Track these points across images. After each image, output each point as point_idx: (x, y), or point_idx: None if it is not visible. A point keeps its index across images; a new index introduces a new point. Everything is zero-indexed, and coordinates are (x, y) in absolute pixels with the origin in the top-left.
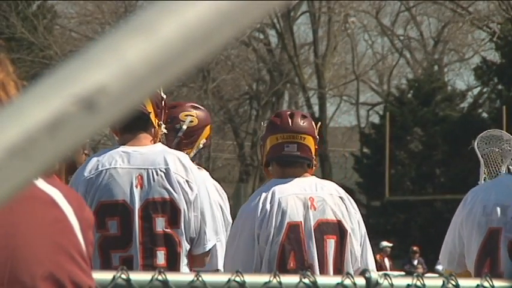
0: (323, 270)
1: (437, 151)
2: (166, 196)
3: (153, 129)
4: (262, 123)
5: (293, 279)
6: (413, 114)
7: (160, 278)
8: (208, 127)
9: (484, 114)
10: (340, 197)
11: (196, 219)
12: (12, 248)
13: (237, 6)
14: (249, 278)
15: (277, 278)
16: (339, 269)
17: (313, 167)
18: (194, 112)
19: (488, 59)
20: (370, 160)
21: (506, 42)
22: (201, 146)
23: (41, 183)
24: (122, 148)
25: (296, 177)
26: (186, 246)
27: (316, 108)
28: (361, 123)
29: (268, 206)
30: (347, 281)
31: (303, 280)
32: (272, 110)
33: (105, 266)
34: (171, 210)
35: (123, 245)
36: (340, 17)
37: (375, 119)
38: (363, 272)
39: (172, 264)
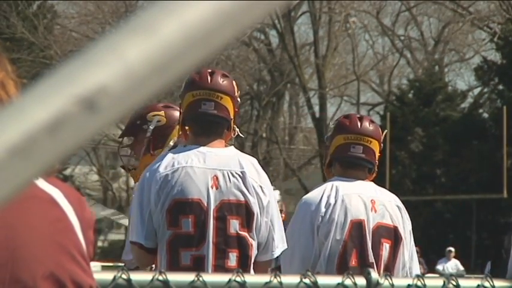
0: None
1: (437, 151)
2: (242, 199)
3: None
4: (330, 123)
5: (293, 279)
6: (414, 114)
7: (160, 278)
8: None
9: (485, 115)
10: (397, 206)
11: (267, 225)
12: (12, 248)
13: (237, 6)
14: (249, 278)
15: (277, 278)
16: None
17: (374, 173)
18: (162, 112)
19: (488, 59)
20: None
21: (507, 43)
22: (171, 144)
23: (41, 183)
24: (196, 148)
25: (357, 179)
26: (256, 250)
27: (316, 109)
28: None
29: (332, 201)
30: (347, 281)
31: (303, 280)
32: (273, 110)
33: (173, 263)
34: (245, 213)
35: (195, 243)
36: (340, 17)
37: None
38: (363, 272)
39: (244, 267)
